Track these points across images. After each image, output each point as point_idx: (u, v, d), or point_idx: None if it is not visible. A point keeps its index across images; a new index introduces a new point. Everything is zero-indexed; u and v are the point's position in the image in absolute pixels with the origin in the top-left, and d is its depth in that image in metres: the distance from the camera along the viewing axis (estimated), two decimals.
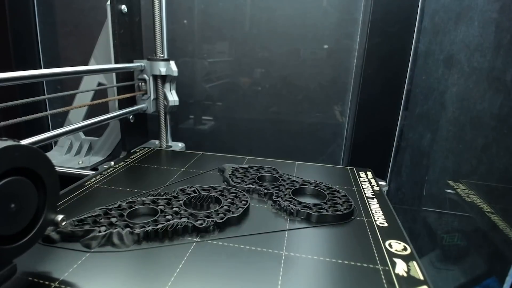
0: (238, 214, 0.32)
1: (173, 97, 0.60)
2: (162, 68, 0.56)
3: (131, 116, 0.59)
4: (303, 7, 0.66)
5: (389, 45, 0.60)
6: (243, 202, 0.34)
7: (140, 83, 0.58)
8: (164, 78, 0.58)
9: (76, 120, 0.67)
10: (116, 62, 0.55)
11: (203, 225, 0.29)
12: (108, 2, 0.55)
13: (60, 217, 0.24)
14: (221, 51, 0.72)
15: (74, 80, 0.67)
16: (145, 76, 0.57)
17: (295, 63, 0.69)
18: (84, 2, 0.73)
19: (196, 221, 0.30)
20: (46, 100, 0.79)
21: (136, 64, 0.56)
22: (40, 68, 0.78)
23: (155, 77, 0.57)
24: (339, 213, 0.33)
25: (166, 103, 0.59)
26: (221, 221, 0.30)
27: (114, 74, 0.58)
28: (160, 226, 0.28)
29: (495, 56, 0.51)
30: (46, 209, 0.23)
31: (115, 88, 0.57)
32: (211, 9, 0.69)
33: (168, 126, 0.63)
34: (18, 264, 0.24)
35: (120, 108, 0.56)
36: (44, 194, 0.23)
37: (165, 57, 0.58)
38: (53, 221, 0.24)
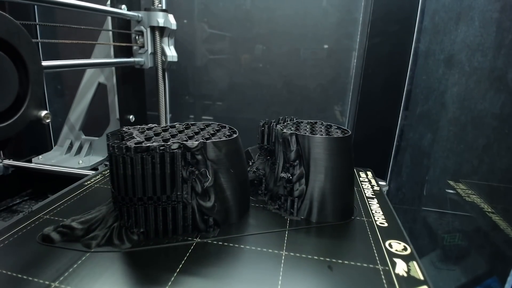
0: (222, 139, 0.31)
1: (171, 52, 0.57)
2: (160, 19, 0.53)
3: (131, 116, 0.59)
4: (303, 7, 0.66)
5: (389, 45, 0.60)
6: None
7: (137, 36, 0.55)
8: (162, 31, 0.55)
9: (76, 120, 0.67)
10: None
11: (194, 147, 0.28)
12: (108, 2, 0.55)
13: (43, 112, 0.23)
14: (221, 49, 0.72)
15: (74, 79, 0.67)
16: (142, 28, 0.54)
17: (295, 63, 0.69)
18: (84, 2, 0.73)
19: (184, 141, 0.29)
20: (46, 101, 0.79)
21: (133, 12, 0.53)
22: None
23: (153, 29, 0.55)
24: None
25: (164, 59, 0.56)
26: (209, 140, 0.30)
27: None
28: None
29: (496, 56, 0.50)
30: (29, 99, 0.21)
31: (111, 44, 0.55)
32: (211, 9, 0.69)
33: (167, 108, 0.60)
34: (18, 263, 0.24)
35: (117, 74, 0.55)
36: (26, 80, 0.21)
37: (163, 7, 0.55)
38: (36, 115, 0.23)
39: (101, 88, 0.64)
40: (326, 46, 0.67)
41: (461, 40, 0.56)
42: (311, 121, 0.41)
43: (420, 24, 0.59)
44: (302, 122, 0.41)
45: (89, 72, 0.64)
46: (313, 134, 0.34)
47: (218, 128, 0.36)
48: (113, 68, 0.59)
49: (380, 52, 0.60)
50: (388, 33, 0.59)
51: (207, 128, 0.36)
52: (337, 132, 0.36)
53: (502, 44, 0.50)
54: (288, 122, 0.41)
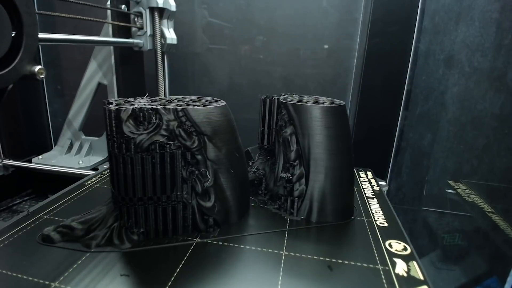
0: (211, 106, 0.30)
1: (170, 35, 0.56)
2: (159, 0, 0.53)
3: None
4: (303, 7, 0.66)
5: (389, 45, 0.60)
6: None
7: (136, 17, 0.54)
8: (162, 12, 0.54)
9: (76, 120, 0.67)
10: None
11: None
12: (108, 2, 0.55)
13: (37, 67, 0.23)
14: (221, 49, 0.72)
15: (74, 79, 0.67)
16: (141, 9, 0.54)
17: (295, 63, 0.69)
18: (83, 1, 0.72)
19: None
20: (46, 101, 0.79)
21: None
22: None
23: (152, 10, 0.54)
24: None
25: (163, 41, 0.56)
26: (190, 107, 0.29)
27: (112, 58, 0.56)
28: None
29: (496, 56, 0.51)
30: (23, 51, 0.21)
31: (110, 27, 0.54)
32: (211, 10, 0.69)
33: (166, 85, 0.60)
34: (18, 263, 0.24)
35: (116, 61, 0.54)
36: (20, 31, 0.20)
37: None
38: (30, 70, 0.22)
39: (101, 88, 0.64)
40: (326, 46, 0.67)
41: (461, 40, 0.56)
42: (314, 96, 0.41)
43: (420, 24, 0.59)
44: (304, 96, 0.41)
45: (89, 72, 0.64)
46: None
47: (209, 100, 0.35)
48: (113, 67, 0.59)
49: (380, 52, 0.60)
50: (388, 33, 0.59)
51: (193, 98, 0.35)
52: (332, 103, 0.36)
53: (502, 44, 0.50)
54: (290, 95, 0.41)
